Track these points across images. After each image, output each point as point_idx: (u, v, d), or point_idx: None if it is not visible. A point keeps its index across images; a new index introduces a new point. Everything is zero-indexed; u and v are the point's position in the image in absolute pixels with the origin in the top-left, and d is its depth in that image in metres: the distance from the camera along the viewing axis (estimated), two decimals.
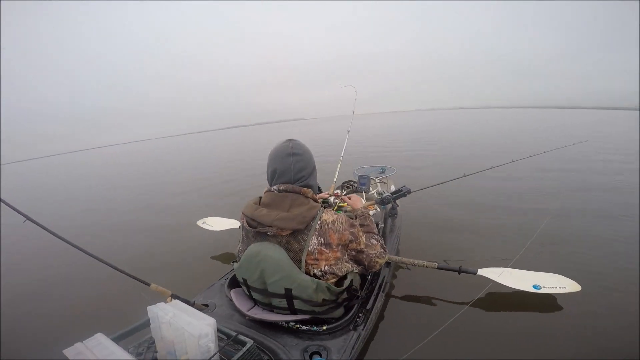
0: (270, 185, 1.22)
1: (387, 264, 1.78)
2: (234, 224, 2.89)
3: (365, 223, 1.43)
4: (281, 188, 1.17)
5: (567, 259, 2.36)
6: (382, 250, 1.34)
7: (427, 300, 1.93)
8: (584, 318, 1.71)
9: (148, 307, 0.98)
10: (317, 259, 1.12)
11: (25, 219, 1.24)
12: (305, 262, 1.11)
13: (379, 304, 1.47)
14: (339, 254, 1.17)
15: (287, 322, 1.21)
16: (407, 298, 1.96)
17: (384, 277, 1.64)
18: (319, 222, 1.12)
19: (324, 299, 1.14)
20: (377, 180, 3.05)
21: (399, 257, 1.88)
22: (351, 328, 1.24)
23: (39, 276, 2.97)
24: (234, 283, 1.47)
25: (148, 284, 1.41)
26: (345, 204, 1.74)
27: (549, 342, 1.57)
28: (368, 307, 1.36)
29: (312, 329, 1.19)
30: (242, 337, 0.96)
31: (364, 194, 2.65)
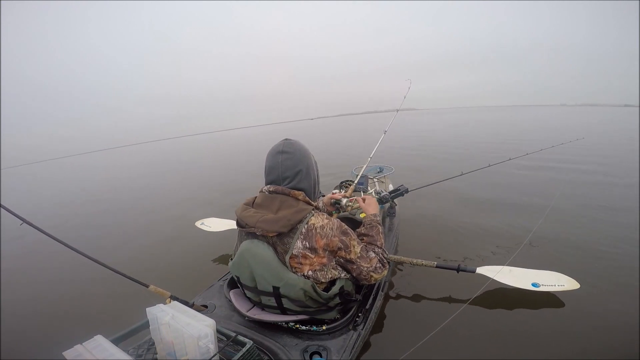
0: (265, 184, 1.23)
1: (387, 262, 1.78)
2: (232, 224, 2.89)
3: (370, 233, 1.36)
4: (271, 189, 1.17)
5: (566, 257, 2.37)
6: (380, 265, 1.26)
7: (426, 299, 1.93)
8: (582, 316, 1.72)
9: (147, 309, 0.98)
10: (301, 263, 1.11)
11: (21, 221, 1.24)
12: (289, 265, 1.11)
13: (378, 303, 1.48)
14: (324, 260, 1.14)
15: (287, 322, 1.21)
16: (406, 297, 1.96)
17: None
18: (305, 226, 1.10)
19: (311, 299, 1.14)
20: (375, 180, 3.05)
21: (398, 257, 1.88)
22: (351, 328, 1.24)
23: (38, 278, 2.96)
24: (233, 284, 1.47)
25: (147, 286, 1.40)
26: (358, 205, 1.59)
27: (548, 341, 1.57)
28: (367, 306, 1.36)
29: (312, 329, 1.20)
30: (241, 338, 0.96)
31: (362, 193, 2.66)
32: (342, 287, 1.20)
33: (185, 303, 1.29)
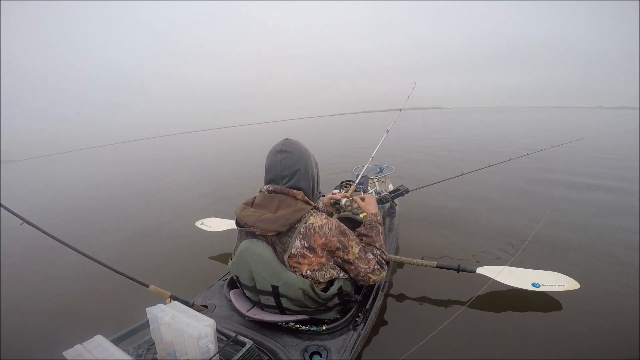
0: (264, 184, 1.23)
1: (387, 263, 1.78)
2: (232, 224, 2.88)
3: (369, 234, 1.36)
4: (270, 189, 1.18)
5: (566, 257, 2.37)
6: (378, 267, 1.26)
7: (426, 299, 1.93)
8: (583, 316, 1.72)
9: (147, 309, 0.98)
10: (300, 263, 1.11)
11: (22, 221, 1.24)
12: (288, 264, 1.11)
13: (378, 303, 1.47)
14: (323, 260, 1.15)
15: (287, 322, 1.21)
16: (406, 297, 1.96)
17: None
18: (304, 226, 1.10)
19: (310, 298, 1.14)
20: (376, 180, 3.04)
21: (398, 257, 1.88)
22: (351, 328, 1.24)
23: (38, 278, 2.96)
24: (233, 283, 1.47)
25: (147, 285, 1.40)
26: (357, 205, 1.57)
27: (548, 340, 1.57)
28: (367, 306, 1.36)
29: (312, 329, 1.20)
30: (241, 338, 0.96)
31: (362, 193, 2.65)
32: (340, 287, 1.20)
33: (186, 303, 1.29)
